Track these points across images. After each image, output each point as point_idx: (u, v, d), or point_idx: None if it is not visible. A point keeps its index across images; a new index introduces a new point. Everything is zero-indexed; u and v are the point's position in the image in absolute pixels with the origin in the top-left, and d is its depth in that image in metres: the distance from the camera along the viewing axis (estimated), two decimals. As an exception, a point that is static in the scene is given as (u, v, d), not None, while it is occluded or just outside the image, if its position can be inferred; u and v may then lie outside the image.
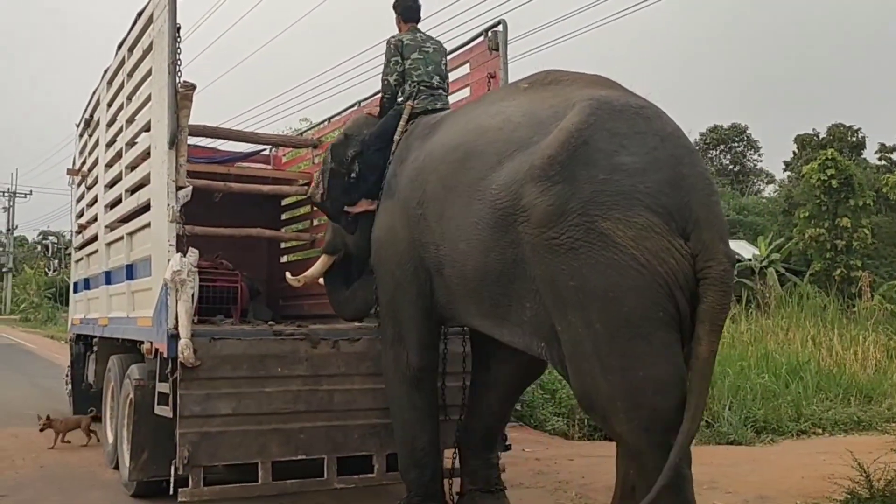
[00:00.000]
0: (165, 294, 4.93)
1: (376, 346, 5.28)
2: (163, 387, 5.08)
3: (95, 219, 7.40)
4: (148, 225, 5.49)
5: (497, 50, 5.79)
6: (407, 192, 4.85)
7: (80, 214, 8.36)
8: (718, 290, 3.50)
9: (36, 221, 78.20)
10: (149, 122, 5.52)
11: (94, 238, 7.42)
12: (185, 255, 4.93)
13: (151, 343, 5.24)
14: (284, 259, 9.26)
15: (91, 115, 7.86)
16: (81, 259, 8.32)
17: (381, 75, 5.54)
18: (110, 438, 6.87)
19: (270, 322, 6.61)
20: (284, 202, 9.11)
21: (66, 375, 9.69)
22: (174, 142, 4.96)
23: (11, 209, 54.68)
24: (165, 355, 4.92)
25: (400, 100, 5.50)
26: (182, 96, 4.98)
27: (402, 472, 5.10)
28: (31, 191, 55.66)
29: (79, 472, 6.82)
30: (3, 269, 53.63)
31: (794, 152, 34.45)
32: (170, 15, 4.96)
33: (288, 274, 6.25)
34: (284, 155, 9.34)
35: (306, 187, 8.37)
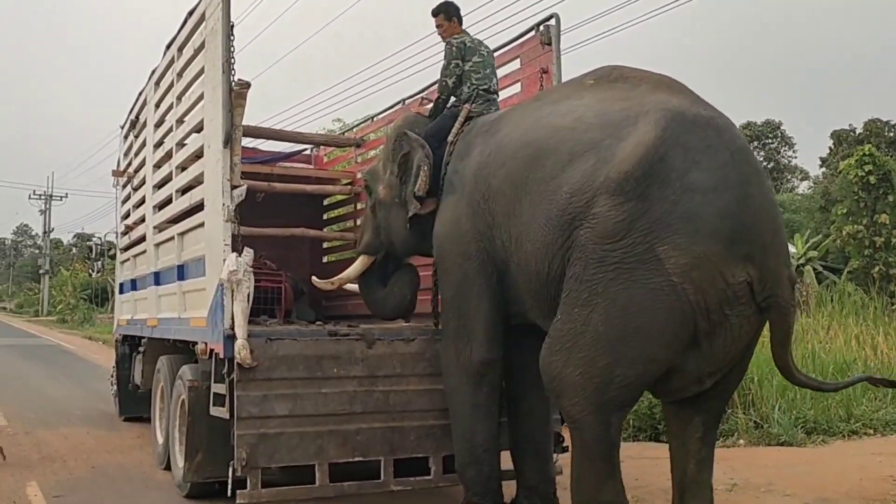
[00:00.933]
0: (221, 294, 4.89)
1: (431, 345, 5.23)
2: (218, 388, 5.04)
3: (143, 220, 7.40)
4: (201, 225, 5.46)
5: (549, 44, 5.69)
6: (471, 187, 4.79)
7: (127, 216, 8.37)
8: (788, 317, 3.84)
9: (71, 224, 79.05)
10: (201, 122, 5.49)
11: (142, 239, 7.42)
12: (240, 255, 4.90)
13: (206, 344, 5.20)
14: (326, 259, 9.25)
15: (137, 117, 7.87)
16: (128, 260, 8.33)
17: (439, 76, 5.46)
18: (160, 439, 6.86)
19: (319, 322, 6.57)
20: (326, 202, 9.09)
21: (112, 376, 9.70)
22: (229, 141, 4.93)
23: (48, 212, 55.56)
24: (221, 356, 4.88)
25: (452, 100, 5.44)
26: (237, 94, 4.95)
27: (460, 469, 5.02)
28: (66, 194, 56.60)
29: (132, 473, 6.82)
30: (41, 271, 54.39)
31: (829, 148, 34.02)
32: (223, 13, 4.92)
33: (314, 278, 6.17)
34: (326, 154, 9.30)
35: (349, 186, 8.37)
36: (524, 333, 4.85)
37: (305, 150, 9.37)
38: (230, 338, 4.78)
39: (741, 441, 8.73)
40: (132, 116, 8.00)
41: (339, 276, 6.13)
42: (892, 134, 30.78)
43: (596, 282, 3.81)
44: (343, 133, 9.99)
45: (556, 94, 4.71)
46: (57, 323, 41.92)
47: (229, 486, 4.79)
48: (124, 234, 8.47)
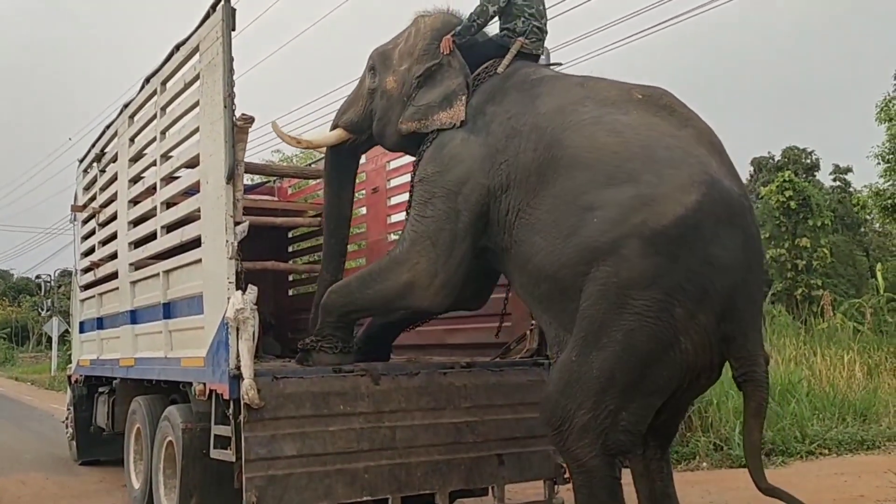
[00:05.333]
0: (225, 333, 4.76)
1: (434, 379, 5.21)
2: (221, 430, 4.90)
3: (113, 257, 7.16)
4: (196, 262, 5.32)
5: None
6: (499, 144, 4.72)
7: (90, 252, 8.07)
8: (762, 391, 4.09)
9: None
10: (196, 157, 5.36)
11: (111, 276, 7.18)
12: (244, 293, 4.80)
13: (205, 384, 5.05)
14: (292, 292, 9.13)
15: (103, 150, 7.63)
16: (91, 297, 8.03)
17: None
18: (136, 483, 6.63)
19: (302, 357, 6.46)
20: (291, 234, 8.99)
21: (67, 419, 9.31)
22: (232, 176, 4.83)
23: (-36, 248, 53.22)
24: (227, 397, 4.73)
25: (504, 32, 5.26)
26: (239, 129, 4.86)
27: None
28: (-25, 230, 54.45)
29: (109, 521, 6.56)
30: (-46, 310, 51.99)
31: (750, 174, 35.20)
32: (224, 47, 4.82)
33: (275, 124, 5.86)
34: (290, 186, 9.21)
35: (318, 219, 8.28)
36: None
37: (268, 181, 9.28)
38: (236, 378, 4.65)
39: (703, 464, 8.87)
40: (97, 150, 7.75)
41: (309, 138, 6.17)
42: (808, 161, 32.01)
43: (616, 328, 3.95)
44: (310, 165, 9.91)
45: (603, 92, 4.62)
46: (-26, 363, 40.21)
47: (237, 531, 4.65)
48: (87, 270, 8.17)
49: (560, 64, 5.70)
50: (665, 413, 4.32)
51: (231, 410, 4.72)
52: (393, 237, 7.42)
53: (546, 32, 5.34)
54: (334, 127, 5.76)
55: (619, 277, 3.94)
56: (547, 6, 5.46)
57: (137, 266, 6.46)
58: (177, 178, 5.89)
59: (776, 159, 33.34)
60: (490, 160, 4.71)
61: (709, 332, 3.95)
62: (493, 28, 5.39)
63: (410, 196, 5.15)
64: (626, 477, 4.56)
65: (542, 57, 5.69)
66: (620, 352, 3.96)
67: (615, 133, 4.29)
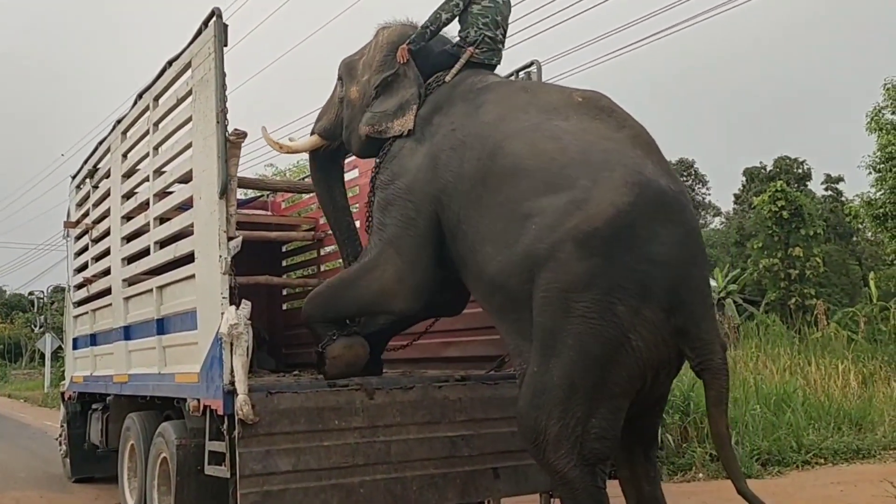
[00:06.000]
0: (219, 348, 4.75)
1: (430, 392, 5.19)
2: (215, 446, 4.88)
3: (106, 273, 7.14)
4: (190, 277, 5.31)
5: (531, 92, 5.77)
6: (443, 155, 4.85)
7: (83, 268, 8.05)
8: (721, 379, 4.08)
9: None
10: (188, 173, 5.36)
11: (105, 292, 7.16)
12: (238, 308, 4.79)
13: (199, 400, 5.03)
14: (286, 307, 9.13)
15: (96, 166, 7.62)
16: (85, 314, 8.00)
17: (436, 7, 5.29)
18: (131, 500, 6.60)
19: (297, 372, 6.47)
20: (285, 248, 8.99)
21: (60, 437, 9.27)
22: (225, 191, 4.83)
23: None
24: (221, 412, 4.72)
25: (456, 40, 5.39)
26: (232, 145, 4.87)
27: None
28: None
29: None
30: (-56, 326, 51.75)
31: (742, 184, 35.39)
32: (217, 62, 4.83)
33: (264, 128, 6.09)
34: (284, 201, 9.22)
35: (311, 233, 8.30)
36: None
37: (261, 196, 9.28)
38: (230, 393, 4.64)
39: (699, 475, 8.87)
40: (90, 166, 7.75)
41: (290, 143, 6.42)
42: (800, 170, 32.16)
43: (566, 333, 4.01)
44: (303, 178, 9.92)
45: (545, 97, 4.76)
46: (-35, 381, 40.00)
47: (232, 548, 4.62)
48: (80, 287, 8.15)
49: None
50: (638, 414, 4.32)
51: (225, 426, 4.70)
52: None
53: (502, 43, 5.42)
54: (312, 134, 6.02)
55: (559, 282, 4.03)
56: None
57: (131, 282, 6.44)
58: (170, 193, 5.88)
59: (768, 169, 33.54)
60: (434, 171, 4.86)
61: (658, 327, 3.98)
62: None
63: (369, 203, 5.33)
64: (617, 489, 4.57)
65: (533, 70, 5.78)
66: (575, 356, 4.00)
67: (554, 139, 4.38)
